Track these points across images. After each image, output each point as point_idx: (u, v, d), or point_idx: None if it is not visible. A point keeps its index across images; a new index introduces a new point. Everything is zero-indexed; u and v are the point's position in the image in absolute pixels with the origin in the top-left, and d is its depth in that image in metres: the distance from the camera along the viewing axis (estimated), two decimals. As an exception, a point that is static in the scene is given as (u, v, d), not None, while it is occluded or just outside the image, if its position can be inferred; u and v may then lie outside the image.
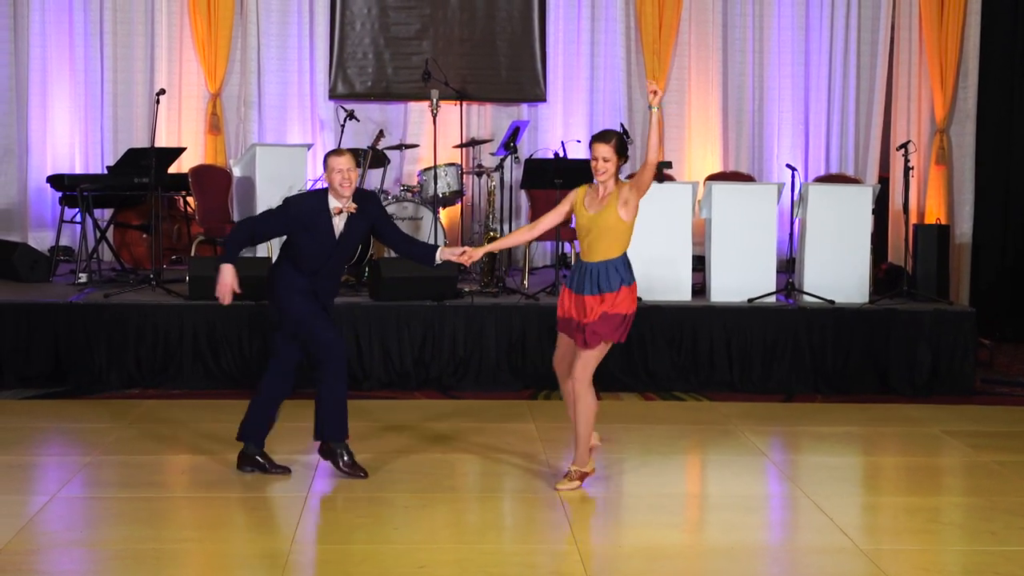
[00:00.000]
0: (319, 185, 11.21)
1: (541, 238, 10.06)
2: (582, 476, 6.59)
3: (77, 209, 10.46)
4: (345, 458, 6.72)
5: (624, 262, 6.51)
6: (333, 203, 6.55)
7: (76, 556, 5.57)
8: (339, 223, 6.56)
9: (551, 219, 6.66)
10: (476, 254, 6.74)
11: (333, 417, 6.65)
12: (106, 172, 11.21)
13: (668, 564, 5.58)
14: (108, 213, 11.34)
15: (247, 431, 6.81)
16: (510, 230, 10.92)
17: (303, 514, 6.15)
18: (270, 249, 10.28)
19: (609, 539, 6.07)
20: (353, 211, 6.56)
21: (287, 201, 6.65)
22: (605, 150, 6.38)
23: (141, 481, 6.72)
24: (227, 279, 6.46)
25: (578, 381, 6.45)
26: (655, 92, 6.29)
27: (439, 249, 6.74)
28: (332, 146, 11.78)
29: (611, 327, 6.40)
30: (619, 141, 6.42)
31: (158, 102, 10.06)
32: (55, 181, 10.89)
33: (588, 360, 6.45)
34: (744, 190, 9.99)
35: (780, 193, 9.76)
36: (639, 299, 9.37)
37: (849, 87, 12.38)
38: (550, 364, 9.11)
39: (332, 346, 6.57)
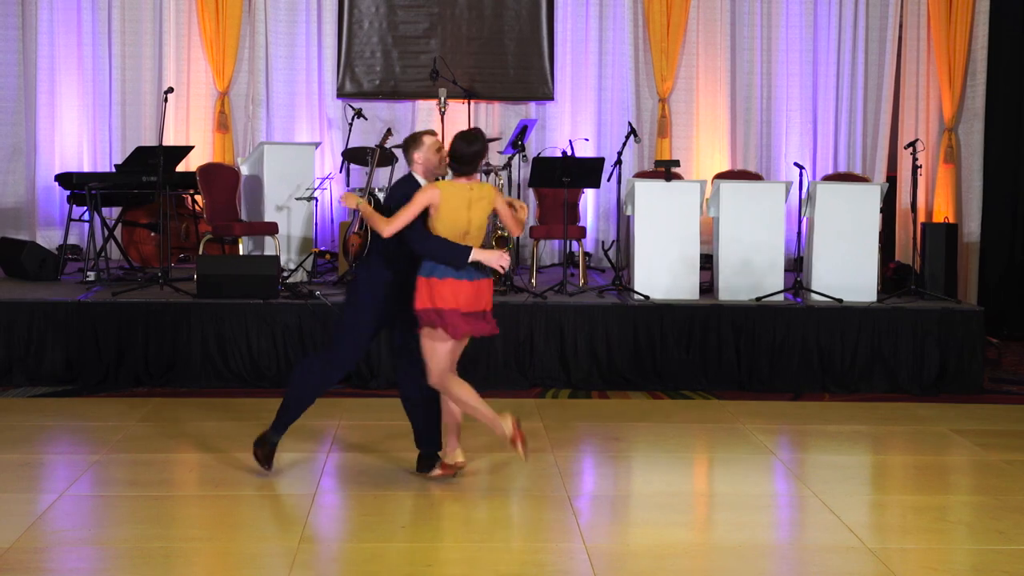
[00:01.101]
0: (327, 183, 11.23)
1: (550, 235, 10.00)
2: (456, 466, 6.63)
3: (85, 207, 10.48)
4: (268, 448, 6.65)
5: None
6: (424, 184, 6.41)
7: (84, 554, 5.58)
8: None
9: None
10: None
11: (291, 409, 6.59)
12: (114, 170, 11.24)
13: (676, 562, 5.58)
14: (116, 211, 11.39)
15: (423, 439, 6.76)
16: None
17: (311, 512, 6.15)
18: (277, 247, 10.29)
19: (617, 537, 6.07)
20: None
21: (396, 188, 6.41)
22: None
23: (149, 479, 6.73)
24: None
25: (435, 377, 6.41)
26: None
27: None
28: (340, 145, 11.81)
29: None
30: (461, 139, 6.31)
31: (166, 100, 10.07)
32: (63, 179, 10.91)
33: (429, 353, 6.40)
34: (752, 188, 9.98)
35: (788, 192, 9.76)
36: (645, 297, 9.48)
37: (857, 86, 12.36)
38: (558, 362, 9.24)
39: (345, 360, 6.57)
